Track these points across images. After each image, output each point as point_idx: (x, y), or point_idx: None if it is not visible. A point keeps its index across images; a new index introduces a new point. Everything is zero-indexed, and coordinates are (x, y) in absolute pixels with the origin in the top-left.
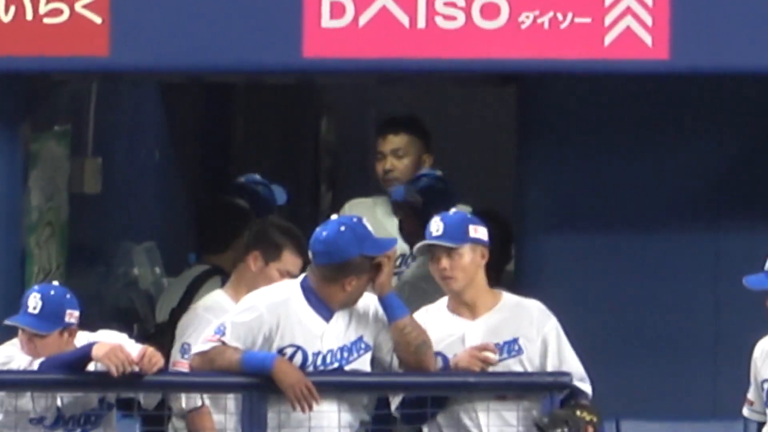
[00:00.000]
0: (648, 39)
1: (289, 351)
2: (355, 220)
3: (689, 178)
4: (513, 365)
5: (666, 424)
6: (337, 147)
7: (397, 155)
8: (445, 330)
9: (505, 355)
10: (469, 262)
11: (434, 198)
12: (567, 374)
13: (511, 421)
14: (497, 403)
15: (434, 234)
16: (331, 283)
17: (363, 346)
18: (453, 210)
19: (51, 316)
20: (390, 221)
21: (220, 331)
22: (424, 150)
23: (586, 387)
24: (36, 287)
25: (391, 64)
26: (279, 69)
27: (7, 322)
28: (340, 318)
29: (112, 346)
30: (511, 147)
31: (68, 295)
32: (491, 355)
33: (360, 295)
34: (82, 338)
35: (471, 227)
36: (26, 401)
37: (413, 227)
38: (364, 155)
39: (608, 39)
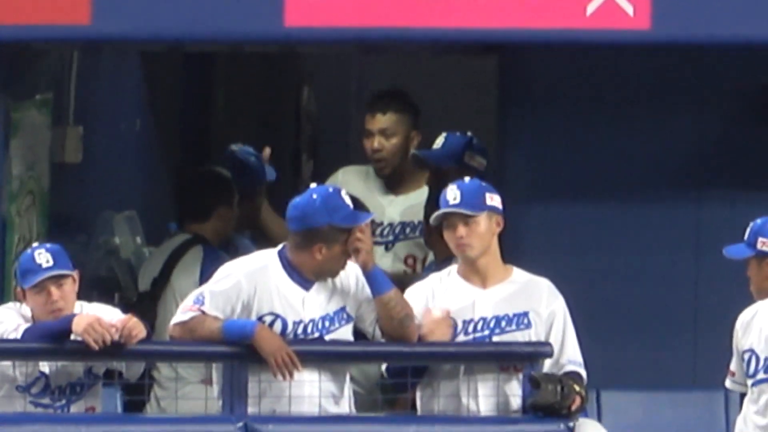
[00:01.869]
0: (629, 9)
1: (268, 319)
2: (331, 190)
3: (670, 150)
4: (520, 338)
5: (646, 395)
6: (318, 116)
7: (385, 135)
8: (456, 296)
9: (513, 327)
10: (485, 230)
11: (488, 159)
12: (548, 344)
13: (508, 392)
14: (500, 373)
15: (451, 202)
16: (301, 250)
17: (345, 316)
18: (468, 178)
19: (65, 262)
20: (381, 194)
21: (199, 300)
22: (413, 127)
23: (582, 372)
24: (31, 249)
25: (373, 34)
26: (261, 38)
27: (35, 280)
28: (322, 287)
29: (90, 320)
30: (492, 117)
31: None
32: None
33: (336, 265)
34: (77, 308)
35: (488, 195)
36: (8, 366)
37: None
38: (345, 124)
39: (590, 9)
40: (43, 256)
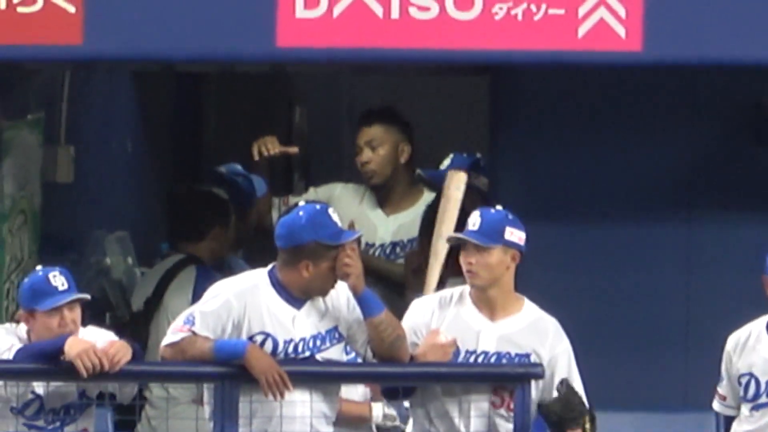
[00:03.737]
0: (621, 31)
1: (259, 338)
2: (318, 207)
3: (662, 170)
4: None
5: (637, 415)
6: (310, 136)
7: (371, 146)
8: (463, 320)
9: None
10: (496, 262)
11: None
12: (539, 365)
13: (502, 413)
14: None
15: (470, 227)
16: (289, 268)
17: (337, 335)
18: (498, 207)
19: (75, 285)
20: (374, 213)
21: (190, 321)
22: (402, 140)
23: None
24: (42, 271)
25: (365, 54)
26: (253, 58)
27: (56, 303)
28: (313, 307)
29: (86, 346)
30: (484, 138)
31: None
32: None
33: (324, 283)
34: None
35: (508, 229)
36: (1, 386)
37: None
38: (337, 144)
39: (582, 30)
40: (58, 279)
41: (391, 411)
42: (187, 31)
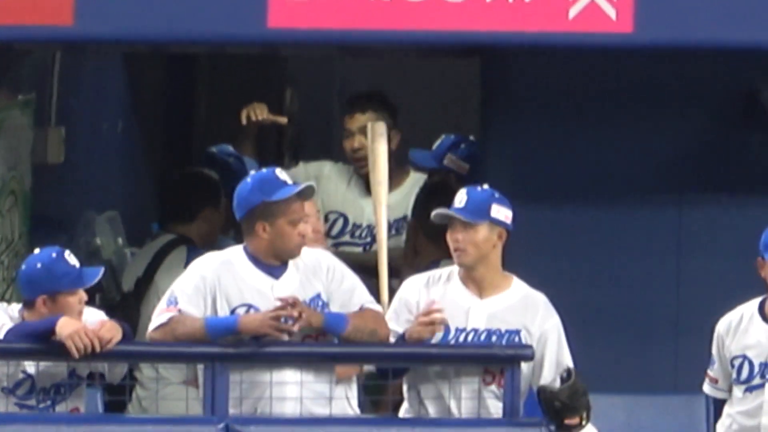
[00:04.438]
0: (612, 12)
1: (241, 311)
2: (265, 171)
3: (652, 153)
4: None
5: (627, 399)
6: (301, 118)
7: (364, 133)
8: (452, 299)
9: (503, 343)
10: (483, 239)
11: (477, 164)
12: (529, 347)
13: (496, 393)
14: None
15: (456, 205)
16: (250, 235)
17: (320, 303)
18: (485, 186)
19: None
20: (361, 194)
21: (173, 301)
22: (391, 126)
23: None
24: (55, 252)
25: (355, 36)
26: (244, 40)
27: (88, 283)
28: (293, 275)
29: (77, 327)
30: (474, 120)
31: None
32: (438, 316)
33: (288, 242)
34: None
35: (494, 207)
36: None
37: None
38: (328, 126)
39: (572, 12)
40: (73, 258)
41: None
42: (178, 12)
